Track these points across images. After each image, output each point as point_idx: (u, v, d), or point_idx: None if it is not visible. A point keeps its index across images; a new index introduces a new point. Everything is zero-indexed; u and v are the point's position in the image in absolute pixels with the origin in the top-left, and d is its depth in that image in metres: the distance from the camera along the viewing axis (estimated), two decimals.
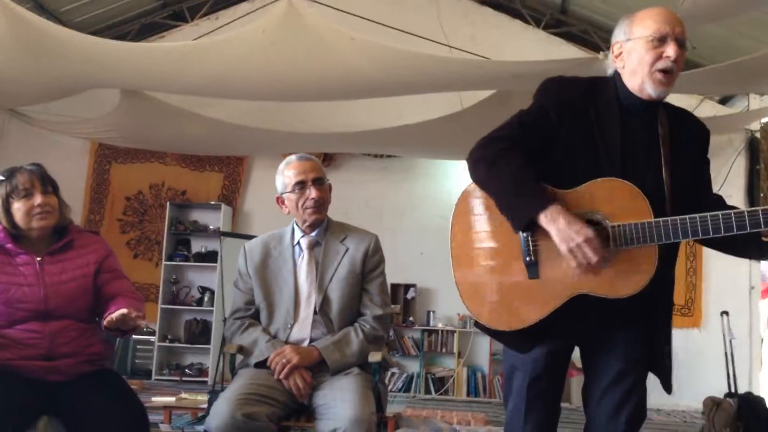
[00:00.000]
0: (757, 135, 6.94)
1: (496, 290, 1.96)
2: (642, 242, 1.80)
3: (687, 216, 1.79)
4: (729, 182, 6.99)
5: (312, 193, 2.55)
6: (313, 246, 2.60)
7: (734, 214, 1.77)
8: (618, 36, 1.96)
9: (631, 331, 1.97)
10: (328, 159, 7.50)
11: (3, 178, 2.35)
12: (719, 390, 5.98)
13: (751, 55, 5.60)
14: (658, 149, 1.91)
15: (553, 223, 1.80)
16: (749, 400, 5.73)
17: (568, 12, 7.36)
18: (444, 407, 6.47)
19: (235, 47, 4.68)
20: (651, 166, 1.90)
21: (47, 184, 2.38)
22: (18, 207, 2.32)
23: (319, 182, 2.57)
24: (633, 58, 1.90)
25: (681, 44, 1.87)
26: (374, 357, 2.48)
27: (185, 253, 7.82)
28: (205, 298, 7.70)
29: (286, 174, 2.59)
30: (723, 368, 6.28)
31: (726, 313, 6.45)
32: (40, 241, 2.38)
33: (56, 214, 2.38)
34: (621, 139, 1.90)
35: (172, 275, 7.81)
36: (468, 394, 7.27)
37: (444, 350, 7.51)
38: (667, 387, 2.00)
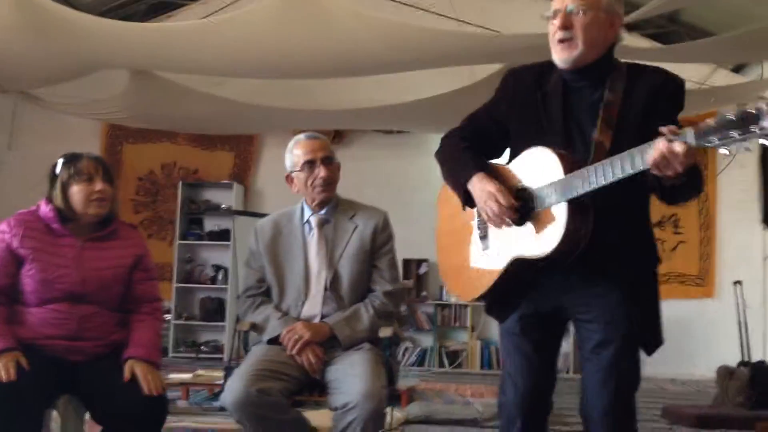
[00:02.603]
0: None
1: (462, 266, 2.15)
2: (553, 201, 1.86)
3: (582, 169, 1.81)
4: (743, 152, 6.94)
5: (321, 171, 2.57)
6: (322, 224, 2.63)
7: (608, 162, 1.77)
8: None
9: (603, 296, 1.95)
10: (338, 136, 7.51)
11: (65, 161, 2.39)
12: (733, 359, 6.00)
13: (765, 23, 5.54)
14: (596, 114, 1.93)
15: (474, 188, 1.99)
16: (762, 369, 5.74)
17: None
18: (458, 380, 6.53)
19: (243, 25, 4.67)
20: (587, 130, 1.93)
21: (108, 173, 2.42)
22: (78, 190, 2.36)
23: (328, 161, 2.59)
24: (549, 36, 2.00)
25: (570, 11, 1.92)
26: (385, 332, 2.52)
27: (198, 232, 7.89)
28: (219, 276, 7.78)
29: (295, 153, 2.61)
30: (736, 338, 6.29)
31: (739, 282, 6.45)
32: (86, 226, 2.42)
33: (110, 204, 2.42)
34: (563, 113, 1.97)
35: (186, 254, 7.88)
36: (482, 367, 7.34)
37: (457, 324, 7.57)
38: (646, 350, 1.99)
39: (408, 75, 6.18)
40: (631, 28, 5.75)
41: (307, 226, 2.64)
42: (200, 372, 5.29)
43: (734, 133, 1.55)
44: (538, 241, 1.90)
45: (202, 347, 7.72)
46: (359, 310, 2.53)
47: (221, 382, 4.71)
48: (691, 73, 5.86)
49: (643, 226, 2.04)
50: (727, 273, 7.02)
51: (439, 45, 4.97)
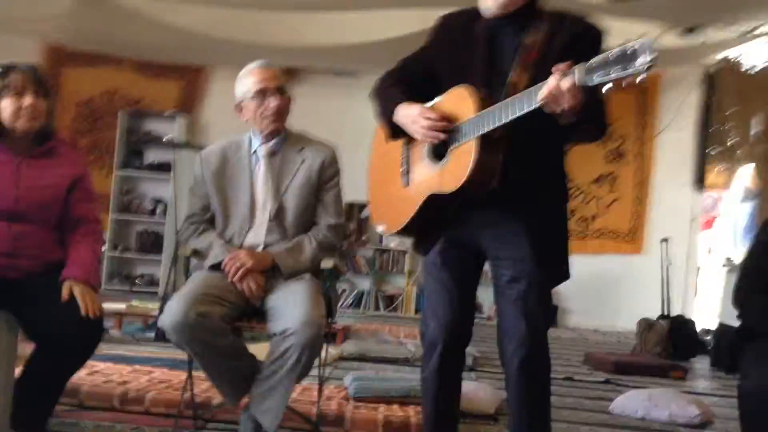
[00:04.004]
0: (714, 69, 7.00)
1: (388, 200, 2.25)
2: (466, 138, 1.93)
3: (492, 106, 1.88)
4: (681, 115, 7.15)
5: (273, 101, 2.55)
6: (270, 155, 2.63)
7: (510, 100, 1.84)
8: None
9: (515, 233, 2.04)
10: (290, 74, 7.40)
11: None
12: (654, 313, 6.30)
13: None
14: (516, 57, 2.00)
15: (399, 117, 2.08)
16: (680, 323, 6.07)
17: None
18: (392, 323, 6.68)
19: None
20: (506, 72, 2.00)
21: (41, 86, 2.35)
22: (7, 104, 2.30)
23: (281, 91, 2.58)
24: None
25: None
26: (326, 264, 2.56)
27: (138, 163, 7.73)
28: (158, 210, 7.68)
29: (247, 81, 2.58)
30: (659, 293, 6.60)
31: (666, 240, 6.73)
32: (23, 143, 2.36)
33: (42, 119, 2.36)
34: (487, 55, 2.04)
35: (124, 186, 7.74)
36: (416, 312, 7.50)
37: (395, 269, 7.68)
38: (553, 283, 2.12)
39: (362, 16, 6.12)
40: None
41: (254, 157, 2.63)
42: (135, 303, 5.27)
43: (617, 69, 1.62)
44: (450, 177, 1.97)
45: (137, 280, 7.65)
46: (302, 241, 2.56)
47: (156, 313, 4.73)
48: (640, 31, 5.94)
49: (555, 166, 2.13)
50: (656, 231, 7.30)
51: None
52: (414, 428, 2.83)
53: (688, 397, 3.91)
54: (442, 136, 2.00)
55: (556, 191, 2.14)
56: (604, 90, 1.70)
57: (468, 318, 2.21)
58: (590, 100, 1.77)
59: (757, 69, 6.56)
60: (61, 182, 2.40)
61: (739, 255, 7.89)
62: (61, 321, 2.22)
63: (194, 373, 2.58)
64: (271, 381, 2.30)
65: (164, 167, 7.54)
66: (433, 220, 2.11)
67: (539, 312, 2.07)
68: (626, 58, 1.61)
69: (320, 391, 2.74)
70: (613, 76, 1.63)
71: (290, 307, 2.32)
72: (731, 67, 6.78)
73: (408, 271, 7.60)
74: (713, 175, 7.45)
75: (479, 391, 3.31)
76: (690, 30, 6.86)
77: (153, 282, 7.59)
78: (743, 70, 6.73)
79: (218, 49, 6.81)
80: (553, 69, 1.74)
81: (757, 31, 6.34)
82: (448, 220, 2.10)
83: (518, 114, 1.82)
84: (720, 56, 6.84)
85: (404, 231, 2.19)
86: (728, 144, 7.21)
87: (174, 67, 7.76)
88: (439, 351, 2.15)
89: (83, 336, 2.24)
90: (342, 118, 7.48)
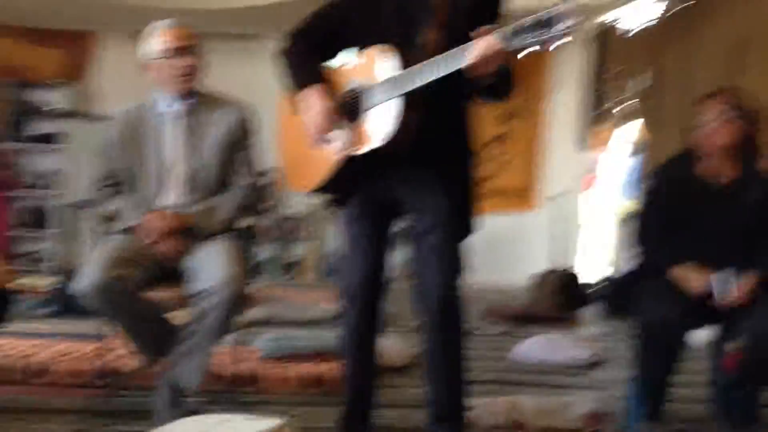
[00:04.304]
0: (597, 32, 7.26)
1: (305, 159, 2.25)
2: (387, 97, 2.00)
3: (415, 66, 1.96)
4: (570, 76, 7.45)
5: (183, 61, 2.50)
6: (183, 115, 2.58)
7: (433, 61, 1.93)
8: None
9: (428, 187, 2.15)
10: None
11: None
12: (547, 267, 6.63)
13: None
14: (427, 17, 2.08)
15: (306, 99, 2.12)
16: (570, 276, 6.43)
17: None
18: (295, 289, 6.68)
19: None
20: (419, 32, 2.08)
21: None
22: None
23: (191, 51, 2.52)
24: None
25: None
26: (243, 223, 2.56)
27: (16, 134, 7.28)
28: (40, 184, 7.29)
29: (158, 40, 2.53)
30: (550, 249, 6.95)
31: (555, 197, 7.07)
32: None
33: None
34: (398, 16, 2.11)
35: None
36: (318, 279, 7.54)
37: (297, 236, 7.68)
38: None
39: None
40: None
41: (167, 117, 2.58)
42: (24, 280, 5.07)
43: (540, 33, 1.74)
44: (372, 135, 2.04)
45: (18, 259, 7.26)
46: (218, 201, 2.54)
47: (50, 288, 4.59)
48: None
49: (464, 123, 2.23)
50: (549, 188, 7.63)
51: None
52: (328, 383, 2.90)
53: (582, 341, 4.19)
54: (321, 143, 2.11)
55: (466, 146, 2.24)
56: (522, 54, 1.80)
57: (384, 270, 2.28)
58: (506, 62, 1.88)
59: (635, 31, 6.90)
60: None
61: (627, 208, 8.40)
62: None
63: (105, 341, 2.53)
64: (193, 340, 2.30)
65: (47, 139, 7.13)
66: (352, 175, 2.16)
67: (456, 258, 2.19)
68: (546, 23, 1.72)
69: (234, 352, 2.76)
70: (533, 40, 1.74)
71: (209, 266, 2.32)
72: (613, 29, 7.10)
73: (310, 238, 7.61)
74: (599, 134, 7.81)
75: (388, 345, 3.40)
76: None
77: (37, 259, 7.23)
78: (624, 30, 7.06)
79: (104, 13, 6.47)
80: (475, 33, 1.83)
81: None
82: (367, 174, 2.16)
83: (443, 74, 1.90)
84: (601, 19, 7.12)
85: (323, 188, 2.23)
86: (612, 103, 7.58)
87: (57, 33, 7.29)
88: (360, 301, 2.23)
89: None
90: (242, 83, 7.30)
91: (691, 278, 2.49)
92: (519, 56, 1.83)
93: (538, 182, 7.85)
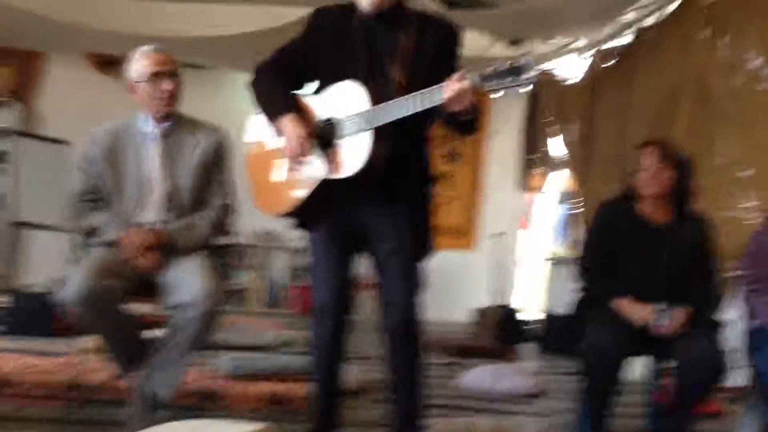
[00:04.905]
0: (536, 80, 7.68)
1: (275, 185, 2.37)
2: (359, 129, 2.18)
3: (389, 101, 2.14)
4: (511, 121, 7.79)
5: (167, 84, 2.62)
6: (164, 136, 2.69)
7: (411, 96, 2.11)
8: None
9: (393, 213, 2.31)
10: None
11: None
12: (486, 304, 6.87)
13: (536, 2, 6.20)
14: (394, 55, 2.27)
15: (282, 127, 2.24)
16: (508, 311, 6.69)
17: None
18: (243, 316, 6.70)
19: None
20: (387, 69, 2.26)
21: None
22: None
23: (174, 75, 2.65)
24: None
25: None
26: (219, 242, 2.67)
27: None
28: None
29: (142, 63, 2.64)
30: (491, 285, 7.19)
31: (497, 236, 7.34)
32: None
33: None
34: (366, 52, 2.27)
35: None
36: (265, 306, 7.57)
37: (243, 264, 7.71)
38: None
39: (217, 9, 6.12)
40: None
41: (148, 137, 2.68)
42: None
43: (508, 80, 1.97)
44: (344, 164, 2.20)
45: None
46: (196, 220, 2.64)
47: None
48: (471, 43, 6.46)
49: (424, 154, 2.42)
50: (488, 228, 7.91)
51: None
52: (290, 401, 3.00)
53: (524, 372, 4.41)
54: (300, 164, 2.24)
55: (426, 176, 2.43)
56: (494, 96, 2.03)
57: (351, 287, 2.44)
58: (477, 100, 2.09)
59: (571, 81, 7.30)
60: None
61: (557, 251, 8.75)
62: None
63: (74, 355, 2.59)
64: (169, 352, 2.38)
65: None
66: (323, 200, 2.31)
67: (416, 281, 2.36)
68: (516, 71, 1.95)
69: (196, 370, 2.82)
70: (504, 84, 1.97)
71: (188, 280, 2.42)
72: (550, 78, 7.49)
73: (254, 266, 7.65)
74: (534, 178, 8.16)
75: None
76: (515, 42, 7.52)
77: None
78: (560, 81, 7.46)
79: (54, 33, 6.44)
80: (452, 76, 2.03)
81: (571, 46, 7.10)
82: (336, 200, 2.31)
83: (420, 109, 2.09)
84: (541, 67, 7.50)
85: (294, 212, 2.36)
86: (547, 149, 7.95)
87: (7, 51, 7.24)
88: (331, 316, 2.37)
89: None
90: (188, 111, 7.36)
91: (633, 309, 2.72)
92: (492, 96, 2.04)
93: (478, 222, 8.11)
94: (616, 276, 2.82)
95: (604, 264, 2.85)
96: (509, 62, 1.97)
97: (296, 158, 2.25)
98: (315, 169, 2.26)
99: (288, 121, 2.24)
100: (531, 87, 2.01)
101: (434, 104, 2.08)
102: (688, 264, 2.82)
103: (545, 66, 7.22)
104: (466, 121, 2.16)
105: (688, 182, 2.87)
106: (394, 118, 2.13)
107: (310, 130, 2.25)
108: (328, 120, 2.26)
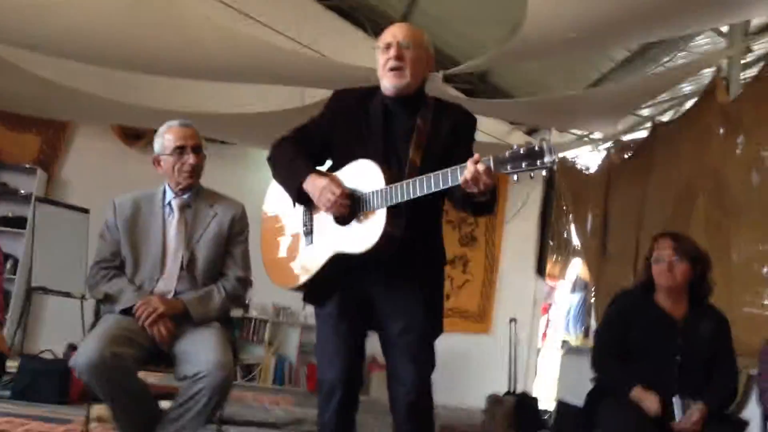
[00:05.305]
0: (554, 167, 7.78)
1: (287, 258, 2.38)
2: (375, 206, 2.19)
3: (404, 181, 2.15)
4: (527, 207, 7.83)
5: (190, 158, 2.70)
6: (183, 207, 2.74)
7: (427, 176, 2.12)
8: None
9: (405, 291, 2.29)
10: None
11: None
12: (501, 390, 6.72)
13: (552, 95, 6.35)
14: (410, 137, 2.30)
15: (308, 186, 2.24)
16: (525, 398, 6.52)
17: None
18: (253, 392, 6.62)
19: (91, 9, 4.58)
20: (402, 150, 2.30)
21: None
22: None
23: (198, 149, 2.73)
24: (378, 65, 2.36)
25: (402, 46, 2.31)
26: (234, 313, 2.68)
27: None
28: (7, 266, 7.21)
29: (167, 137, 2.72)
30: (506, 371, 7.05)
31: (513, 321, 7.25)
32: None
33: None
34: (383, 133, 2.32)
35: None
36: (274, 382, 7.47)
37: (255, 339, 7.66)
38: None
39: (239, 88, 6.30)
40: (447, 80, 6.34)
41: (168, 208, 2.73)
42: None
43: (523, 164, 1.98)
44: (358, 239, 2.20)
45: None
46: (212, 291, 2.66)
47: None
48: (490, 129, 6.58)
49: (437, 234, 2.43)
50: (503, 312, 7.82)
51: (277, 61, 5.21)
52: None
53: None
54: (345, 211, 2.22)
55: (439, 256, 2.44)
56: (514, 178, 2.02)
57: (360, 365, 2.41)
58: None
59: (589, 171, 7.38)
60: None
61: (572, 339, 8.63)
62: None
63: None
64: (179, 422, 2.35)
65: (16, 222, 7.15)
66: (334, 275, 2.31)
67: (427, 360, 2.32)
68: (531, 155, 1.96)
69: None
70: (520, 168, 1.98)
71: (201, 351, 2.41)
72: (568, 166, 7.58)
73: (268, 341, 7.59)
74: (551, 265, 8.14)
75: None
76: (533, 131, 7.67)
77: None
78: (578, 169, 7.54)
79: (83, 105, 6.63)
80: (471, 159, 2.04)
81: (587, 138, 7.22)
82: (346, 276, 2.30)
83: (436, 190, 2.10)
84: (561, 155, 7.60)
85: (305, 285, 2.35)
86: (564, 237, 7.97)
87: (34, 120, 7.44)
88: (339, 396, 2.32)
89: None
90: (209, 185, 7.48)
91: (651, 400, 2.66)
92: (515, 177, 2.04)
93: (495, 305, 8.04)
94: (630, 366, 2.78)
95: (619, 353, 2.81)
96: (526, 146, 1.99)
97: (335, 205, 2.20)
98: (329, 243, 2.27)
99: (312, 179, 2.25)
100: (546, 172, 2.01)
101: (451, 185, 2.10)
102: (703, 357, 2.78)
103: (562, 154, 7.30)
104: (483, 202, 2.17)
105: (704, 276, 2.86)
106: (411, 197, 2.14)
107: (344, 190, 2.22)
108: (353, 192, 2.26)
